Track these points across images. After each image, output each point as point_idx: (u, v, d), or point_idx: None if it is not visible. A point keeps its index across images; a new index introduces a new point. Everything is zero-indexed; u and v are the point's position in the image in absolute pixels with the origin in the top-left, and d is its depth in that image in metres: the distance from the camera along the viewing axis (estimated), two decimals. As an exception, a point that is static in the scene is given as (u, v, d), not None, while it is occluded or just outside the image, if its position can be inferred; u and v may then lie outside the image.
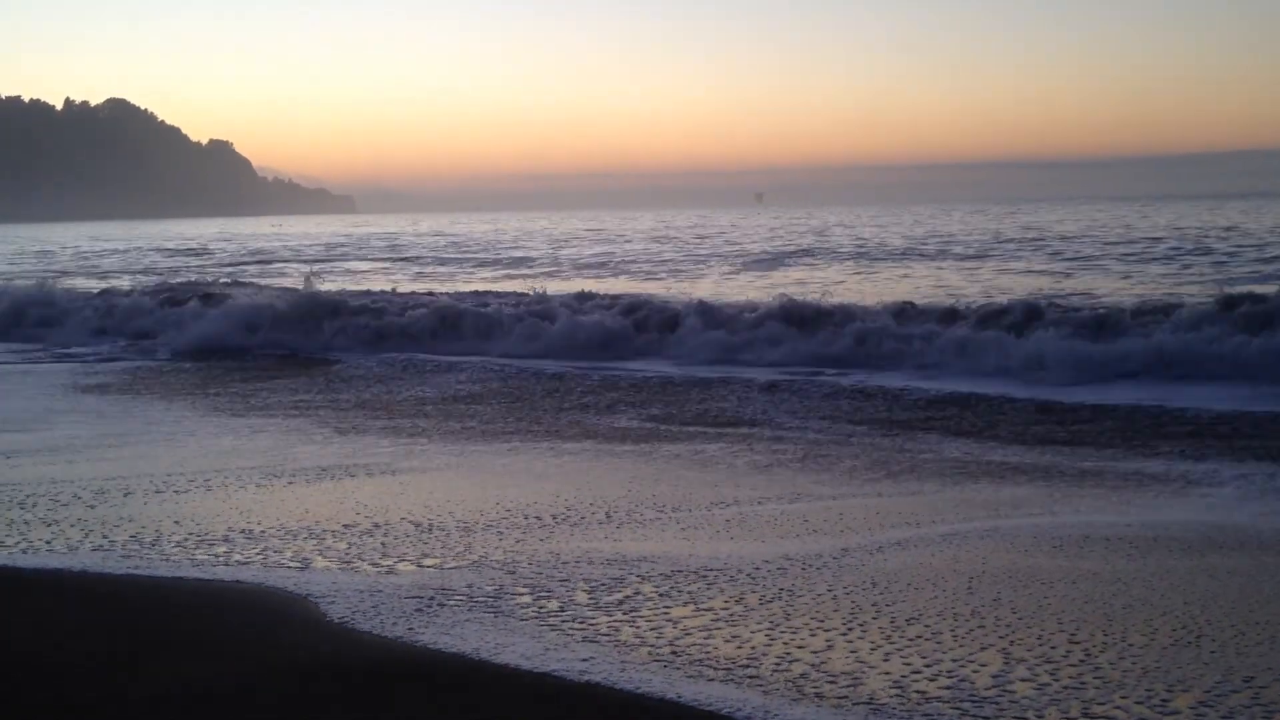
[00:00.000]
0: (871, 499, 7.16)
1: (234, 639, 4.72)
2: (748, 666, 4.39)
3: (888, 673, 4.31)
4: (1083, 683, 4.20)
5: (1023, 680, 4.22)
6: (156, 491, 7.44)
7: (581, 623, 4.88)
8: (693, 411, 10.89)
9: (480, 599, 5.19)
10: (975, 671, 4.31)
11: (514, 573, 5.59)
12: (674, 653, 4.53)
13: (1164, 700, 4.03)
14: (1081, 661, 4.40)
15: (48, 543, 6.22)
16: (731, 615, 4.97)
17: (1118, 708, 3.98)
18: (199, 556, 5.95)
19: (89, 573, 5.70)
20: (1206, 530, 6.27)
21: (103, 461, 8.54)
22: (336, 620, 4.94)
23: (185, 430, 10.04)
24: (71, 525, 6.57)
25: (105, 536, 6.33)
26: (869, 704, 4.04)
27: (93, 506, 7.02)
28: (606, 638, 4.70)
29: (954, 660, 4.43)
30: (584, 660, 4.45)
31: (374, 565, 5.76)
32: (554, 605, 5.11)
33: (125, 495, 7.32)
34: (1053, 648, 4.55)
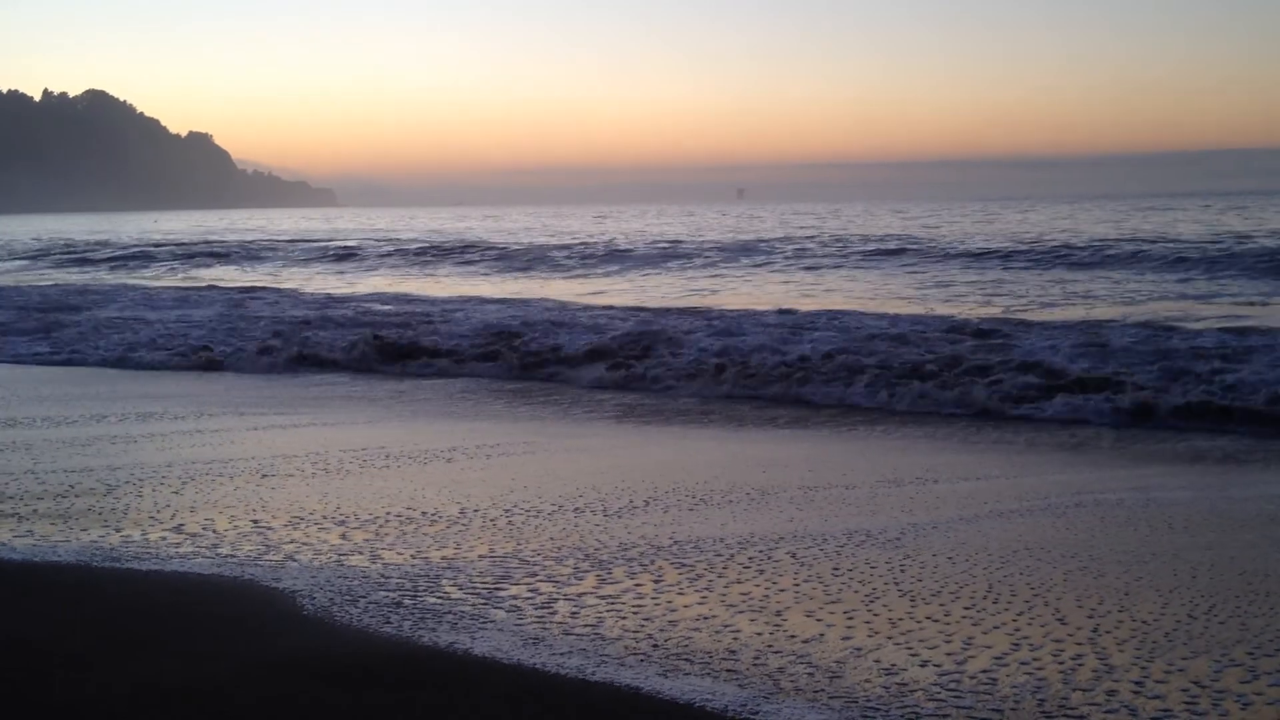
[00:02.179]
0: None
1: (216, 634, 4.68)
2: (726, 661, 4.36)
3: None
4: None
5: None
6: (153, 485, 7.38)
7: (573, 615, 4.85)
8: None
9: (467, 590, 5.16)
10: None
11: (507, 563, 5.56)
12: (673, 646, 4.51)
13: None
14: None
15: (37, 538, 6.17)
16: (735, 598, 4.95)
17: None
18: (183, 550, 5.90)
19: (72, 566, 5.65)
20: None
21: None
22: (316, 614, 4.91)
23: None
24: (50, 518, 6.51)
25: (91, 530, 6.28)
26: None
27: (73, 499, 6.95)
28: (594, 629, 4.67)
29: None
30: (565, 654, 4.42)
31: (359, 557, 5.71)
32: (545, 597, 5.08)
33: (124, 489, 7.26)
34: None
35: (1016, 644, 4.49)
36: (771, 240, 41.84)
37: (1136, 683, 4.11)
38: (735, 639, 4.57)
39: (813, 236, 43.77)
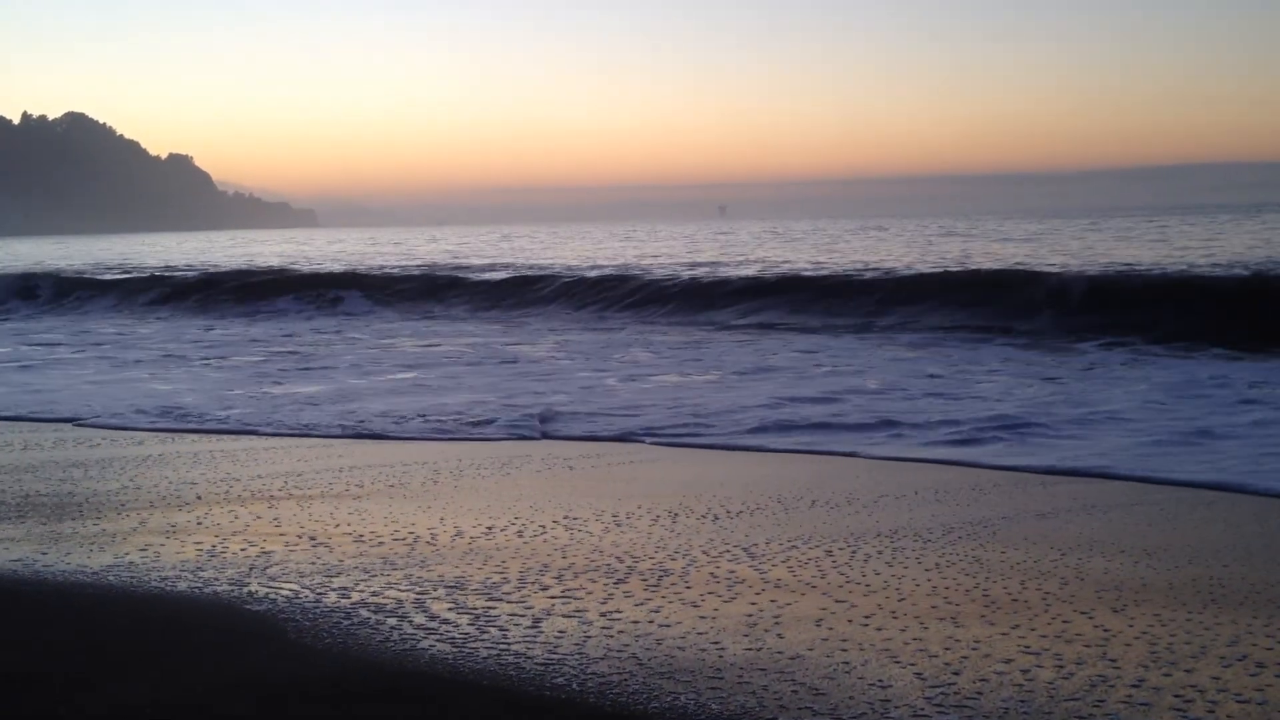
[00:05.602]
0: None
1: (199, 654, 4.66)
2: (716, 675, 4.36)
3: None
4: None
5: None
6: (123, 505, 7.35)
7: (560, 633, 4.83)
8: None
9: (456, 611, 5.14)
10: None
11: (496, 582, 5.54)
12: (657, 664, 4.49)
13: None
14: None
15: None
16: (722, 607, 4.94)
17: None
18: (165, 571, 5.87)
19: (56, 586, 5.62)
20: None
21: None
22: (301, 633, 4.89)
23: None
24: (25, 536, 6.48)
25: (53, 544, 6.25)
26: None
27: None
28: (579, 648, 4.66)
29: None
30: (550, 673, 4.40)
31: (347, 577, 5.69)
32: (538, 611, 5.06)
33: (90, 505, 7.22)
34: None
35: (1023, 648, 4.54)
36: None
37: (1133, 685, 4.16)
38: (720, 656, 4.55)
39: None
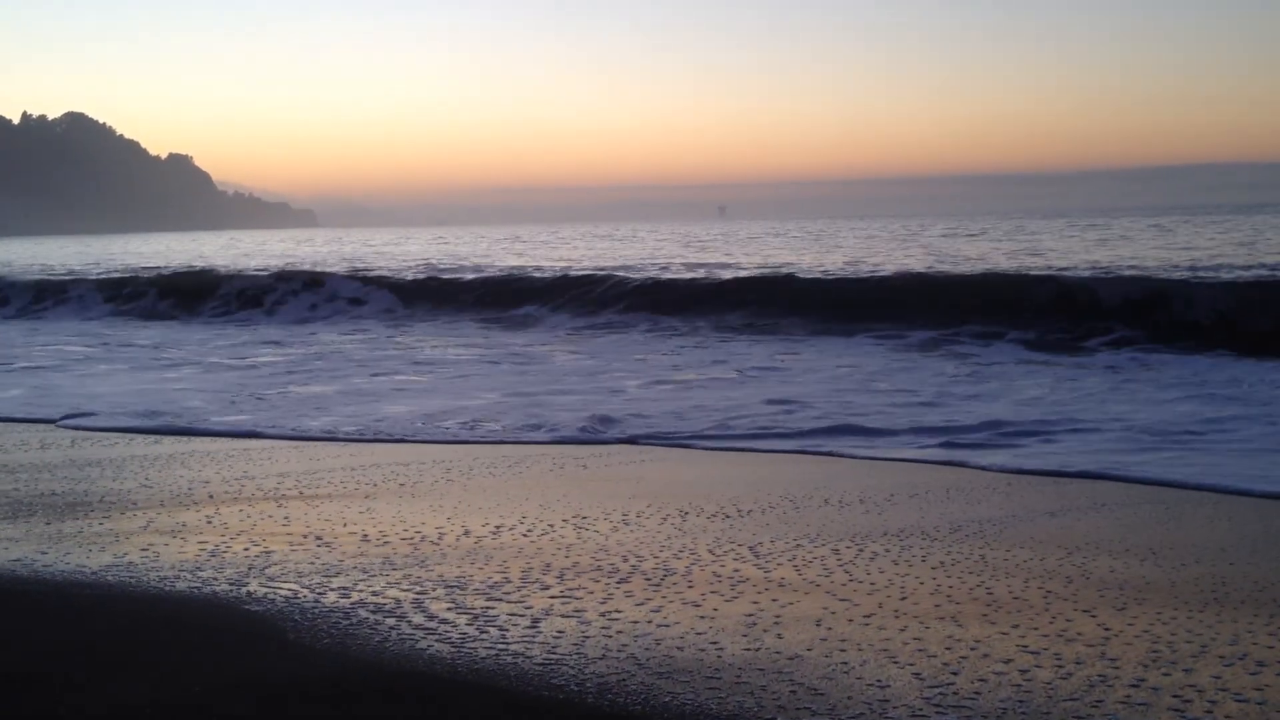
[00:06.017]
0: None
1: (197, 654, 4.66)
2: (714, 675, 4.35)
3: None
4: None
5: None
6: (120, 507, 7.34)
7: (559, 633, 4.82)
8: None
9: (455, 611, 5.13)
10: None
11: (497, 582, 5.53)
12: (655, 664, 4.48)
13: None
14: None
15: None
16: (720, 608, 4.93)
17: None
18: (165, 571, 5.86)
19: (54, 586, 5.61)
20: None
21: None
22: (300, 633, 4.88)
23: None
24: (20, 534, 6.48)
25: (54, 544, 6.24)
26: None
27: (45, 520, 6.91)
28: (578, 649, 4.65)
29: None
30: (549, 674, 4.39)
31: (346, 577, 5.68)
32: (537, 611, 5.05)
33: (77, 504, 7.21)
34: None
35: (1023, 648, 4.54)
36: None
37: (1132, 685, 4.15)
38: (719, 656, 4.55)
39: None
